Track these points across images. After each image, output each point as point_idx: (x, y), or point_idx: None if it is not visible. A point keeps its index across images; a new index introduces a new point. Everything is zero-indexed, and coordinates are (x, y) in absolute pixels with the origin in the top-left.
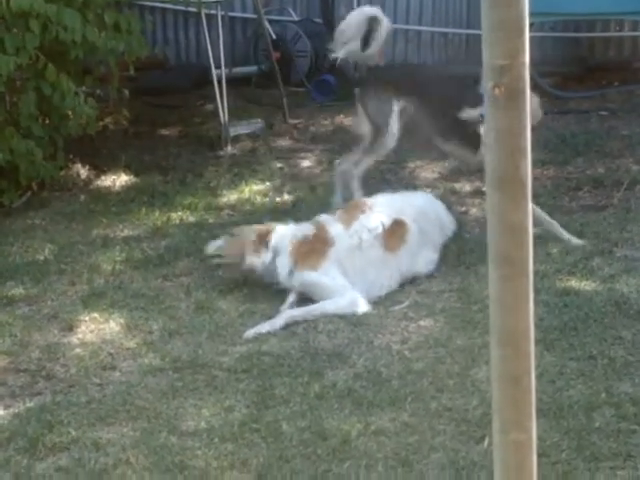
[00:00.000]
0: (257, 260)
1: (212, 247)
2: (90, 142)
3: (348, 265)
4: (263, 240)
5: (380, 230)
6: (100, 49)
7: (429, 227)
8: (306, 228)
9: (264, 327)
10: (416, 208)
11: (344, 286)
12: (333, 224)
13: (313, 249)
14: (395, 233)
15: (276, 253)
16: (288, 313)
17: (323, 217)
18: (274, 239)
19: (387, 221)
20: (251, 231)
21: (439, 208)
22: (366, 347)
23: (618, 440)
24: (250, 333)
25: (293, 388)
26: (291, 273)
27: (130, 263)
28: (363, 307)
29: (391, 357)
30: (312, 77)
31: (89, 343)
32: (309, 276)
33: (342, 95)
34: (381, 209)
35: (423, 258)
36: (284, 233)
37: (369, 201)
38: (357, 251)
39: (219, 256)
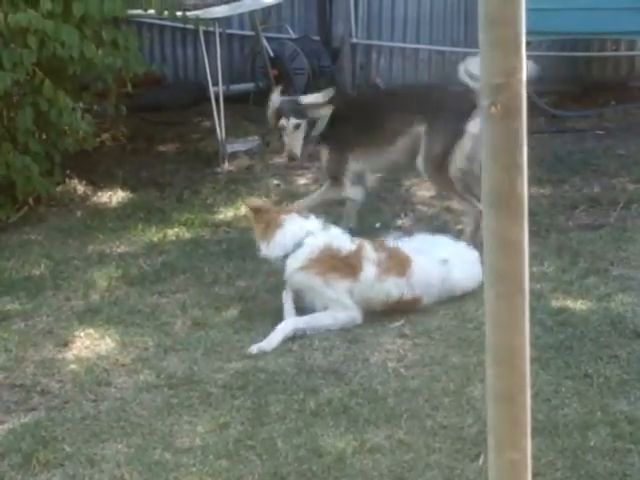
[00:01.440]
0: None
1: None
2: (87, 158)
3: (357, 297)
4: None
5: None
6: (98, 65)
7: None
8: (345, 243)
9: (275, 338)
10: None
11: (346, 303)
12: (370, 263)
13: (336, 266)
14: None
15: (291, 249)
16: (293, 322)
17: (369, 246)
18: (291, 234)
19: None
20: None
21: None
22: (362, 364)
23: (614, 459)
24: (256, 348)
25: (288, 405)
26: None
27: (126, 279)
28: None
29: (387, 375)
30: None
31: (84, 359)
32: (313, 280)
33: None
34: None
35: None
36: (316, 237)
37: (410, 259)
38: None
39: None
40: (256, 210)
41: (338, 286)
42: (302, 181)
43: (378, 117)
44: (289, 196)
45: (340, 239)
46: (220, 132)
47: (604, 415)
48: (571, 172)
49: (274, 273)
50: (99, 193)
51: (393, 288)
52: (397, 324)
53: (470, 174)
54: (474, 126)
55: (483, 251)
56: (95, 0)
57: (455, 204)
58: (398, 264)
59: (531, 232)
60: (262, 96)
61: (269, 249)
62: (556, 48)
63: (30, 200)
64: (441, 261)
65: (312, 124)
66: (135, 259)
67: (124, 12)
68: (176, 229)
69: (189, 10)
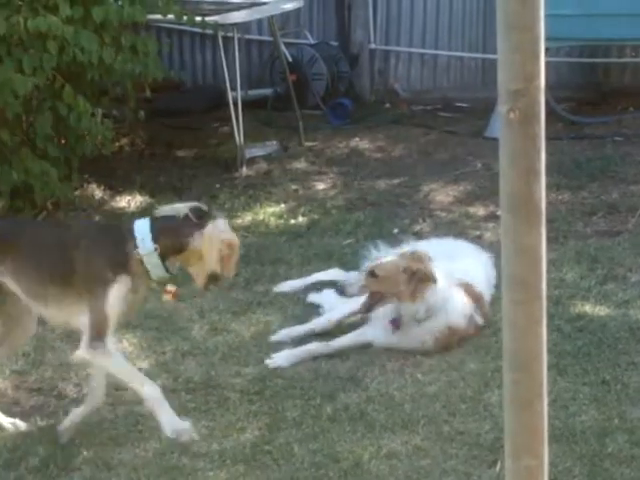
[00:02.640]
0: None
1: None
2: (105, 163)
3: None
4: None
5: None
6: (117, 71)
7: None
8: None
9: (295, 356)
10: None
11: None
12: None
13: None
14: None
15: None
16: (323, 347)
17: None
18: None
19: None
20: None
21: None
22: (379, 370)
23: (631, 466)
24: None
25: (305, 410)
26: None
27: None
28: None
29: (404, 380)
30: (328, 100)
31: None
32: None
33: (358, 118)
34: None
35: None
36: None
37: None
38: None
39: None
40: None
41: None
42: (321, 186)
43: None
44: (307, 201)
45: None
46: (238, 137)
47: (622, 422)
48: (589, 178)
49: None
50: (117, 198)
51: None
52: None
53: None
54: None
55: (501, 257)
56: (115, 6)
57: (473, 210)
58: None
59: (549, 238)
60: (280, 101)
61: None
62: (575, 54)
63: (48, 205)
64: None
65: None
66: None
67: (143, 18)
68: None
69: (208, 15)
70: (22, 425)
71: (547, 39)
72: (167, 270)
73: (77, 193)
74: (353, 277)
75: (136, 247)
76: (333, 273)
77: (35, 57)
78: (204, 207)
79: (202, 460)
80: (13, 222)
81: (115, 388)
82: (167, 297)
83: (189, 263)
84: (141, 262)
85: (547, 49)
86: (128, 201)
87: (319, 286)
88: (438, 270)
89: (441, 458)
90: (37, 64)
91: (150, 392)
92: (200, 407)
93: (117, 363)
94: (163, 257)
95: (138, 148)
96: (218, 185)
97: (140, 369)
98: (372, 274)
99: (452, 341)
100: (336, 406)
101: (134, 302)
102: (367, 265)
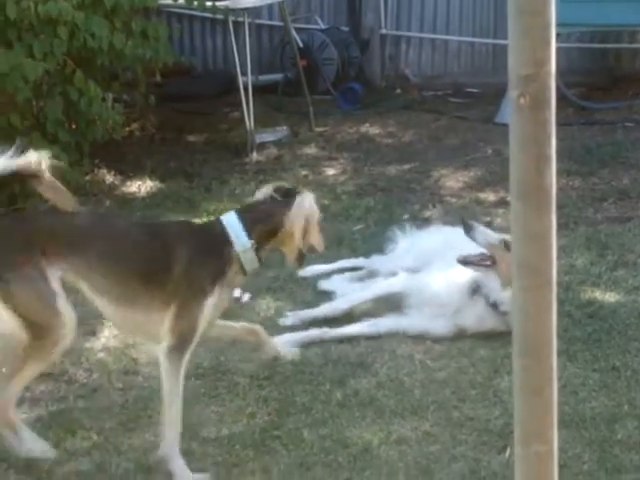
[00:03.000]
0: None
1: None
2: (116, 148)
3: None
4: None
5: None
6: (127, 56)
7: None
8: None
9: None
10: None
11: None
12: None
13: None
14: None
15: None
16: (326, 332)
17: None
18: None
19: None
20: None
21: None
22: (389, 356)
23: None
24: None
25: (315, 396)
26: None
27: None
28: None
29: (414, 366)
30: (338, 85)
31: (112, 348)
32: None
33: (368, 103)
34: None
35: None
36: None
37: None
38: None
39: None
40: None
41: None
42: (331, 172)
43: None
44: (317, 187)
45: None
46: (249, 122)
47: (631, 408)
48: (600, 164)
49: None
50: (128, 183)
51: None
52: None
53: None
54: None
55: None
56: None
57: (483, 196)
58: None
59: (559, 224)
60: (291, 86)
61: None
62: (586, 40)
63: None
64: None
65: None
66: None
67: (154, 3)
68: (204, 219)
69: (219, 0)
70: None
71: (558, 24)
72: (260, 260)
73: (88, 178)
74: (376, 263)
75: (232, 247)
76: (356, 261)
77: (45, 42)
78: (287, 185)
79: (211, 445)
80: (96, 216)
81: (124, 372)
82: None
83: (282, 244)
84: (238, 261)
85: (558, 34)
86: (139, 186)
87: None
88: None
89: (450, 444)
90: (47, 49)
91: (171, 438)
92: (209, 392)
93: (175, 384)
94: (257, 248)
95: (149, 133)
96: (228, 170)
97: (150, 355)
98: (507, 246)
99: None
100: (346, 392)
101: (219, 310)
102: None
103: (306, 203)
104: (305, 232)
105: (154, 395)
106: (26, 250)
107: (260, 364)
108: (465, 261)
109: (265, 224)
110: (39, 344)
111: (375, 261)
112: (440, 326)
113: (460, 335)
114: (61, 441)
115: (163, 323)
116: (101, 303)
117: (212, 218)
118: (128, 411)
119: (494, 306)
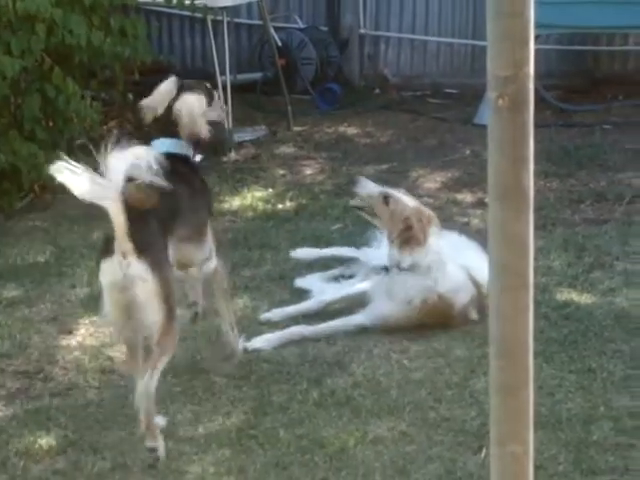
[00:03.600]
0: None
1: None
2: (94, 146)
3: None
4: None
5: None
6: (105, 53)
7: None
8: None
9: (277, 339)
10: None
11: None
12: None
13: None
14: None
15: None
16: (304, 330)
17: None
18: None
19: None
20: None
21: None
22: (365, 356)
23: (616, 454)
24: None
25: (291, 395)
26: None
27: None
28: None
29: (390, 366)
30: (317, 85)
31: (88, 346)
32: None
33: (347, 103)
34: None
35: None
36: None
37: None
38: None
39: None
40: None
41: None
42: (309, 171)
43: None
44: (295, 186)
45: None
46: (227, 121)
47: (607, 410)
48: (578, 166)
49: None
50: None
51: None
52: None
53: None
54: None
55: (488, 244)
56: None
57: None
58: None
59: (537, 226)
60: (269, 86)
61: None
62: (564, 42)
63: (36, 187)
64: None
65: None
66: None
67: (133, 0)
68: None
69: None
70: None
71: (537, 26)
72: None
73: None
74: (365, 253)
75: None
76: (346, 250)
77: (23, 39)
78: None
79: (188, 444)
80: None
81: (100, 371)
82: None
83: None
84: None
85: (537, 36)
86: None
87: (325, 263)
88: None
89: (427, 444)
90: (25, 46)
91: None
92: (186, 391)
93: None
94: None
95: (126, 131)
96: (206, 169)
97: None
98: (385, 200)
99: (437, 314)
100: (322, 391)
101: None
102: (383, 190)
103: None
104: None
105: (130, 394)
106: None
107: (237, 363)
108: (357, 206)
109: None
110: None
111: (364, 252)
112: (398, 310)
113: (415, 311)
114: (37, 439)
115: None
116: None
117: None
118: (104, 409)
119: (400, 268)
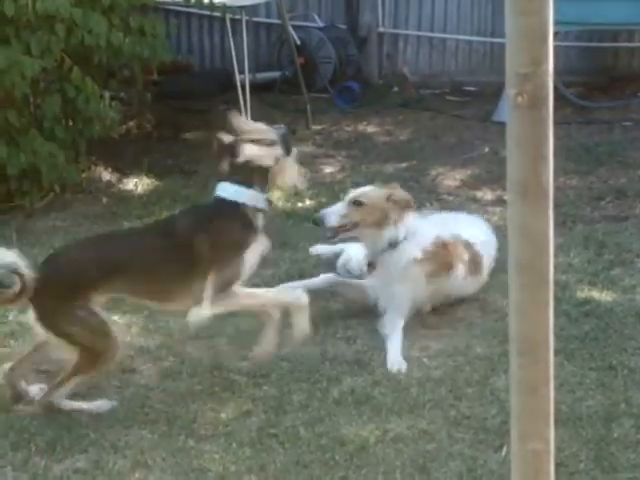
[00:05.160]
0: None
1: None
2: (113, 145)
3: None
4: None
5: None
6: (125, 53)
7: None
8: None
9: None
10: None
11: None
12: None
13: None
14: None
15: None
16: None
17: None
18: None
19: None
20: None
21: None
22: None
23: (637, 451)
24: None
25: (311, 394)
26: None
27: None
28: None
29: (410, 364)
30: (336, 83)
31: None
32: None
33: (365, 102)
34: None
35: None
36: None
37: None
38: None
39: None
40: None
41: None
42: (328, 170)
43: None
44: (314, 185)
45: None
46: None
47: (628, 407)
48: (597, 163)
49: None
50: (125, 180)
51: (472, 285)
52: (421, 314)
53: None
54: None
55: (508, 241)
56: None
57: (480, 194)
58: (474, 262)
59: (557, 223)
60: (288, 84)
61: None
62: (584, 39)
63: (56, 187)
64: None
65: None
66: None
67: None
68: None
69: None
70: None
71: (556, 23)
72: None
73: (84, 175)
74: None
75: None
76: (357, 247)
77: (43, 39)
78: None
79: (208, 443)
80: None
81: (121, 370)
82: None
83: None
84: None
85: (556, 33)
86: (135, 184)
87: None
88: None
89: (447, 442)
90: (45, 46)
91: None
92: (206, 390)
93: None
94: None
95: (146, 131)
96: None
97: (147, 352)
98: (357, 203)
99: (437, 265)
100: (342, 389)
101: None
102: (348, 195)
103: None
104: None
105: (150, 393)
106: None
107: (257, 362)
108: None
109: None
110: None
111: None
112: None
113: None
114: (58, 438)
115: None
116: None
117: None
118: (125, 408)
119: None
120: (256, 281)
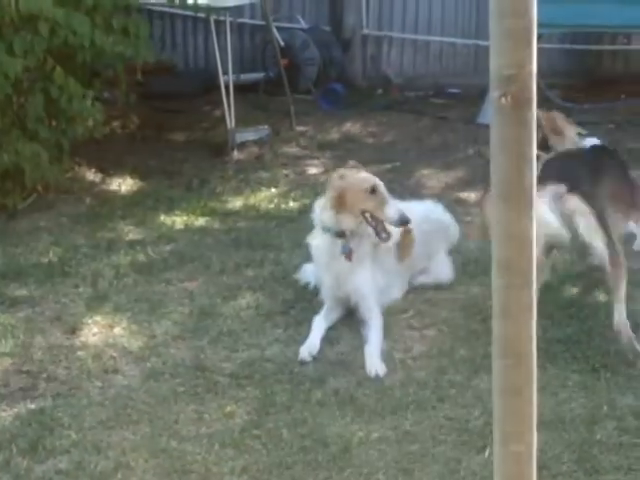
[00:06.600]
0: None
1: None
2: (96, 146)
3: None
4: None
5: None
6: (108, 53)
7: (433, 234)
8: None
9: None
10: (419, 215)
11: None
12: None
13: None
14: (403, 242)
15: None
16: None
17: None
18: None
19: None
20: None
21: (442, 215)
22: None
23: (619, 453)
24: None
25: (294, 395)
26: None
27: (134, 267)
28: None
29: (393, 365)
30: (320, 85)
31: (92, 346)
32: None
33: (349, 104)
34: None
35: (435, 266)
36: None
37: None
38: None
39: None
40: None
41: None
42: (312, 171)
43: None
44: (298, 186)
45: None
46: (230, 121)
47: (611, 409)
48: None
49: None
50: (108, 181)
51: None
52: (405, 315)
53: None
54: None
55: (491, 243)
56: None
57: (464, 195)
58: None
59: None
60: (272, 86)
61: None
62: (567, 41)
63: (39, 187)
64: None
65: None
66: (143, 247)
67: (136, 0)
68: (185, 218)
69: None
70: None
71: (539, 25)
72: None
73: (68, 176)
74: None
75: None
76: None
77: (26, 39)
78: None
79: (191, 444)
80: None
81: (104, 371)
82: None
83: None
84: None
85: (540, 35)
86: (119, 184)
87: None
88: None
89: (430, 444)
90: (28, 46)
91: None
92: (189, 391)
93: None
94: None
95: (129, 131)
96: (209, 169)
97: (129, 353)
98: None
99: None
100: (325, 391)
101: None
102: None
103: None
104: None
105: (133, 394)
106: None
107: (240, 363)
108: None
109: None
110: None
111: None
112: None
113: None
114: (39, 439)
115: None
116: None
117: None
118: (107, 409)
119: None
120: (240, 282)
